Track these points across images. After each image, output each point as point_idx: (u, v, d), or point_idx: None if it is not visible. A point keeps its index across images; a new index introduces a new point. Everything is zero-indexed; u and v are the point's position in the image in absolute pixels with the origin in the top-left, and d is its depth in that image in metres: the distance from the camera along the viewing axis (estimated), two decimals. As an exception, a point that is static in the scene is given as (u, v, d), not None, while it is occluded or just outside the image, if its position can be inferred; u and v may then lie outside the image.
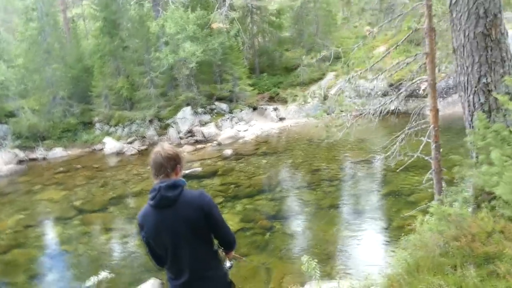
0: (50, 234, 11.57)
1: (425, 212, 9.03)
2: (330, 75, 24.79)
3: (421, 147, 5.63)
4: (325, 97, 23.30)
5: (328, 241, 8.94)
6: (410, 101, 19.93)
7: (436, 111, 5.19)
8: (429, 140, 5.37)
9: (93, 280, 8.12)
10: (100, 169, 17.29)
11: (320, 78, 25.21)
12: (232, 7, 23.46)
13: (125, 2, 22.56)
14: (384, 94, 19.75)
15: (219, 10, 22.33)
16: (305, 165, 14.38)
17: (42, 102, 22.05)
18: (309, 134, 19.77)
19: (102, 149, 20.41)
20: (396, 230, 8.81)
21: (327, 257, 8.14)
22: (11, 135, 20.94)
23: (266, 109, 23.17)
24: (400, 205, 10.07)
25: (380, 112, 6.08)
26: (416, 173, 11.93)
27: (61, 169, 17.75)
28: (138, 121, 21.16)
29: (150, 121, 21.17)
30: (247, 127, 21.25)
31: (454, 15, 3.39)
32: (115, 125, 21.77)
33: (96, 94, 22.26)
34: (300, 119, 22.51)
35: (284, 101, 24.41)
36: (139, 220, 2.68)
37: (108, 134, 21.50)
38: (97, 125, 22.19)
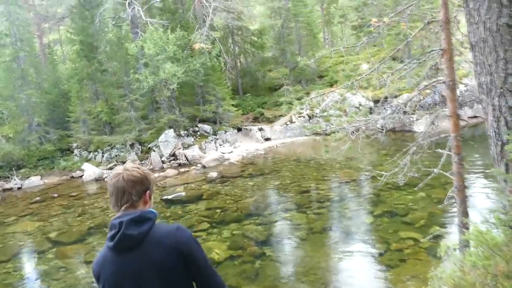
0: (22, 270, 10.63)
1: (429, 235, 8.55)
2: (314, 94, 24.48)
3: (442, 160, 4.99)
4: (311, 116, 23.08)
5: (323, 267, 8.30)
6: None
7: (456, 117, 4.61)
8: (450, 152, 4.71)
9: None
10: (78, 197, 16.43)
11: (288, 110, 24.90)
12: (212, 28, 23.15)
13: (103, 25, 22.10)
14: (371, 112, 19.50)
15: (199, 30, 21.98)
16: (294, 186, 13.80)
17: (17, 130, 21.22)
18: (296, 154, 19.31)
19: (81, 176, 19.57)
20: (395, 254, 8.26)
21: (322, 286, 7.51)
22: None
23: (251, 130, 22.69)
24: (396, 226, 9.54)
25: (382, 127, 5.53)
26: (409, 191, 11.48)
27: (37, 198, 16.85)
28: (119, 146, 20.44)
29: (131, 145, 20.45)
30: (232, 148, 20.69)
31: (471, 5, 2.92)
32: (95, 151, 21.01)
33: (74, 119, 21.54)
34: (286, 139, 22.09)
35: (269, 121, 24.03)
36: (94, 269, 2.05)
37: (87, 160, 20.70)
38: (76, 151, 21.39)
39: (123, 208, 2.01)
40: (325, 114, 21.62)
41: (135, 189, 2.03)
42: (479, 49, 2.92)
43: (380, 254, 8.37)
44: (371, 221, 10.15)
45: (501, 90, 2.78)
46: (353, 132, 5.29)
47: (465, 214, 4.65)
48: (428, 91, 19.97)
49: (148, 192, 2.09)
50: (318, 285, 7.45)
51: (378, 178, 13.27)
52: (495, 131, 2.90)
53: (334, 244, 9.35)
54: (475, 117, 20.36)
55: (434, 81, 4.52)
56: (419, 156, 5.31)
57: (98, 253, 2.09)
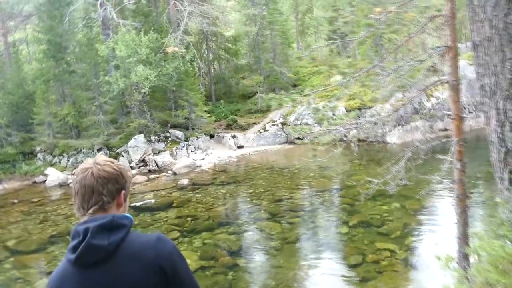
0: (-26, 282, 9.89)
1: (405, 246, 8.41)
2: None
3: (444, 167, 4.72)
4: (284, 124, 22.94)
5: (298, 279, 8.02)
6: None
7: (459, 120, 4.35)
8: (452, 159, 4.41)
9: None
10: (40, 203, 15.60)
11: (278, 106, 24.75)
12: (187, 32, 22.75)
13: (72, 25, 21.35)
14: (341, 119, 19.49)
15: (173, 34, 21.54)
16: (267, 195, 13.51)
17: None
18: (269, 162, 19.05)
19: (44, 181, 18.67)
20: (371, 265, 8.06)
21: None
22: None
23: (223, 137, 22.34)
24: (372, 237, 9.37)
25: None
26: (384, 201, 11.39)
27: (-4, 204, 15.90)
28: (85, 150, 19.66)
29: (99, 150, 19.70)
30: (204, 155, 20.25)
31: (475, 2, 2.71)
32: (59, 155, 20.14)
33: (38, 122, 20.61)
34: (259, 147, 21.83)
35: (242, 129, 23.73)
36: (50, 286, 1.60)
37: (51, 164, 19.81)
38: (39, 155, 20.46)
39: (90, 211, 1.59)
40: (300, 122, 21.52)
41: (107, 188, 1.62)
42: (483, 48, 2.71)
43: (356, 266, 8.15)
44: (346, 231, 9.94)
45: (507, 92, 2.57)
46: (345, 135, 5.02)
47: (465, 225, 4.41)
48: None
49: (123, 192, 1.68)
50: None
51: (352, 187, 13.25)
52: (498, 137, 2.69)
53: (309, 255, 9.08)
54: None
55: (437, 81, 4.31)
56: (417, 162, 5.02)
57: (56, 268, 1.62)
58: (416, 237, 9.29)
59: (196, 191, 14.96)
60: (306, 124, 21.79)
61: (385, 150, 19.16)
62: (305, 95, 5.75)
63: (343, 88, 5.38)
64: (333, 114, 20.81)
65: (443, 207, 10.64)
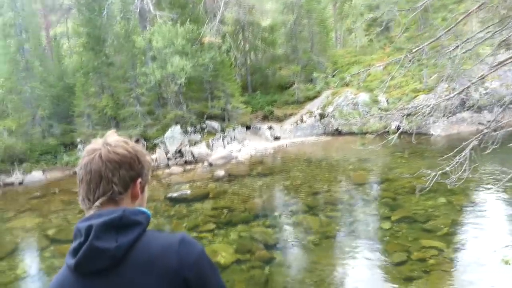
0: (17, 268, 10.05)
1: (454, 244, 7.82)
2: (326, 93, 23.80)
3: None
4: (322, 116, 22.36)
5: (337, 276, 7.60)
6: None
7: None
8: None
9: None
10: (80, 193, 15.88)
11: (316, 96, 24.21)
12: (223, 22, 22.51)
13: (111, 18, 21.55)
14: (386, 110, 18.64)
15: (209, 24, 21.35)
16: (305, 187, 13.10)
17: (20, 123, 20.70)
18: (307, 154, 18.60)
19: (84, 171, 19.03)
20: (417, 264, 7.52)
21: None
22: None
23: (260, 128, 22.05)
24: (417, 233, 8.78)
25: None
26: (429, 196, 10.71)
27: (37, 194, 16.33)
28: (123, 141, 19.86)
29: (136, 141, 19.85)
30: (240, 146, 20.03)
31: None
32: (99, 146, 20.46)
33: (78, 114, 21.03)
34: (296, 138, 21.41)
35: (279, 120, 23.36)
36: None
37: (91, 155, 20.14)
38: (79, 146, 20.83)
39: (97, 203, 1.28)
40: (337, 113, 20.88)
41: (118, 174, 1.29)
42: None
43: (400, 264, 7.63)
44: (389, 227, 9.39)
45: None
46: (399, 122, 4.56)
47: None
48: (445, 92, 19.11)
49: (139, 180, 1.35)
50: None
51: (393, 181, 12.62)
52: None
53: (348, 251, 8.63)
54: (495, 121, 19.52)
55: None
56: (485, 152, 4.46)
57: (56, 274, 1.33)
58: (465, 235, 8.63)
59: (232, 182, 14.75)
60: (346, 115, 21.15)
61: (428, 143, 18.24)
62: (353, 74, 5.31)
63: (399, 67, 4.87)
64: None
65: (495, 204, 9.92)
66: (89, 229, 1.20)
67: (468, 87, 4.42)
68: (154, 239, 1.27)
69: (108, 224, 1.21)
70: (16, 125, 20.59)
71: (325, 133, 21.95)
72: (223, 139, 20.64)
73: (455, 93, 4.46)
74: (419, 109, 4.54)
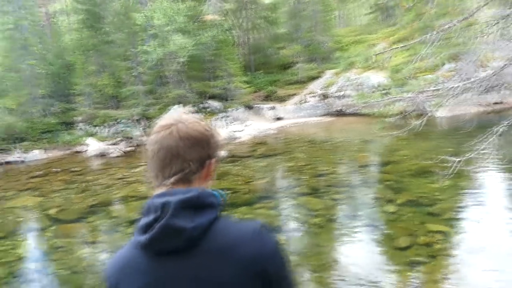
0: (18, 248, 10.02)
1: (460, 229, 7.73)
2: (329, 73, 23.51)
3: None
4: (325, 96, 22.11)
5: (341, 260, 7.54)
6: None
7: None
8: None
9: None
10: (81, 172, 15.81)
11: (318, 76, 23.92)
12: (225, 0, 22.07)
13: (110, -6, 21.14)
14: (387, 90, 18.33)
15: (210, 1, 20.92)
16: (308, 169, 13.00)
17: (20, 101, 20.48)
18: (310, 135, 18.45)
19: (84, 150, 18.92)
20: (423, 248, 7.44)
21: (342, 282, 6.72)
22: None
23: (262, 108, 21.87)
24: (422, 217, 8.68)
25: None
26: (434, 179, 10.62)
27: (38, 173, 16.28)
28: (124, 121, 19.71)
29: (138, 120, 19.71)
30: (243, 127, 19.89)
31: None
32: (99, 125, 20.31)
33: (78, 92, 20.84)
34: (299, 119, 21.23)
35: (281, 100, 23.13)
36: (108, 276, 1.28)
37: (91, 134, 20.04)
38: (80, 125, 20.70)
39: (171, 180, 1.21)
40: (342, 93, 20.65)
41: (195, 152, 1.23)
42: None
43: (406, 248, 7.56)
44: (393, 210, 9.29)
45: None
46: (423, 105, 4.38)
47: None
48: (451, 73, 18.81)
49: (211, 161, 1.29)
50: (337, 281, 6.71)
51: (397, 163, 12.50)
52: None
53: (353, 234, 8.53)
54: (501, 102, 19.30)
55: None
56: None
57: (118, 251, 1.29)
58: (472, 220, 8.55)
59: (235, 163, 14.65)
60: (348, 95, 20.90)
61: (432, 124, 18.03)
62: (378, 54, 5.10)
63: (427, 46, 4.63)
64: (378, 85, 19.81)
65: (502, 187, 9.81)
66: (165, 205, 1.15)
67: (504, 67, 4.22)
68: (229, 225, 1.21)
69: (185, 202, 1.16)
70: (16, 104, 20.38)
71: (328, 114, 21.75)
72: (225, 119, 20.47)
73: (491, 74, 4.27)
74: (445, 91, 4.35)
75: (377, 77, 19.16)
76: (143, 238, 1.16)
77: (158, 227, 1.13)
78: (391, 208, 9.40)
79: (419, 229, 8.08)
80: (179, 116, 1.27)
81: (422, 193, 9.87)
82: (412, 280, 6.49)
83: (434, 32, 4.35)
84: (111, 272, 1.27)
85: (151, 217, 1.16)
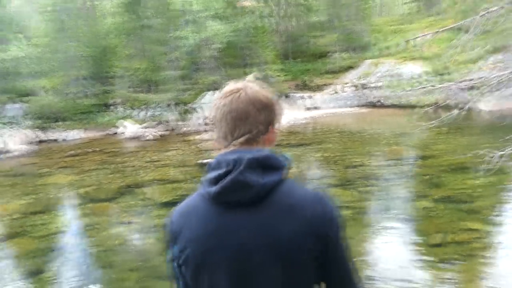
0: (52, 224, 10.32)
1: (499, 228, 7.34)
2: (365, 63, 22.91)
3: None
4: (361, 86, 21.59)
5: (371, 254, 7.31)
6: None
7: None
8: None
9: (92, 283, 6.85)
10: (114, 154, 16.12)
11: (354, 66, 23.39)
12: (263, -14, 21.81)
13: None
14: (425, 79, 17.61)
15: (248, -13, 20.71)
16: (339, 160, 12.73)
17: (60, 82, 21.05)
18: (342, 126, 18.08)
19: (120, 132, 19.25)
20: (457, 246, 7.11)
21: (372, 278, 6.49)
22: (27, 115, 20.02)
23: (296, 97, 21.60)
24: (459, 214, 8.31)
25: None
26: (475, 175, 10.11)
27: (73, 152, 16.73)
28: (160, 105, 19.91)
29: (172, 105, 19.86)
30: (275, 115, 19.70)
31: None
32: (135, 108, 20.63)
33: (116, 75, 21.14)
34: (333, 109, 20.84)
35: (315, 89, 22.77)
36: (172, 223, 1.35)
37: (127, 117, 20.36)
38: (117, 107, 21.08)
39: (241, 140, 1.28)
40: (378, 84, 20.07)
41: (262, 115, 1.30)
42: None
43: (439, 245, 7.25)
44: (427, 206, 8.93)
45: None
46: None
47: None
48: (496, 65, 17.87)
49: (276, 125, 1.38)
50: (365, 276, 6.49)
51: (433, 157, 12.02)
52: None
53: (384, 228, 8.27)
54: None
55: None
56: None
57: (183, 201, 1.37)
58: (511, 219, 8.12)
59: (266, 151, 14.55)
60: (383, 87, 20.33)
61: (470, 118, 17.23)
62: (416, 38, 4.82)
63: (470, 31, 4.32)
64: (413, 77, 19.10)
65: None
66: (238, 161, 1.21)
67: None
68: (295, 187, 1.29)
69: (257, 160, 1.22)
70: (58, 84, 20.96)
71: (363, 105, 21.22)
72: (257, 107, 20.37)
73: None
74: (488, 80, 4.04)
75: (415, 67, 18.46)
76: (213, 189, 1.22)
77: (230, 180, 1.19)
78: (425, 203, 9.05)
79: (455, 226, 7.74)
80: (246, 82, 1.34)
81: (459, 189, 9.45)
82: (445, 278, 6.21)
83: (478, 16, 4.03)
84: (175, 218, 1.34)
85: (222, 170, 1.22)
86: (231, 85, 1.34)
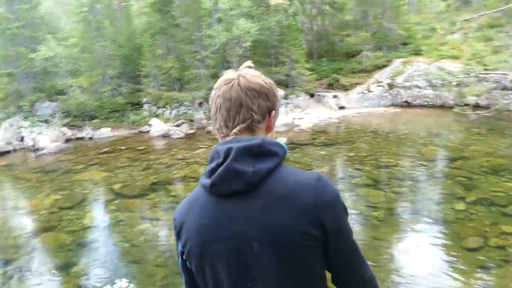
0: (84, 219, 10.56)
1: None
2: (396, 62, 22.44)
3: None
4: (391, 86, 21.15)
5: (402, 256, 7.14)
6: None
7: None
8: None
9: (120, 278, 6.95)
10: (145, 151, 16.36)
11: (385, 65, 22.91)
12: (291, -16, 21.65)
13: (178, -22, 21.45)
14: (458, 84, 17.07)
15: (278, -15, 20.60)
16: (370, 160, 12.51)
17: (92, 81, 21.51)
18: (373, 125, 17.76)
19: (148, 131, 19.55)
20: (495, 251, 6.86)
21: (400, 282, 6.32)
22: (60, 113, 20.57)
23: (324, 97, 21.34)
24: (496, 217, 8.03)
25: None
26: (510, 178, 9.81)
27: (106, 149, 17.07)
28: (187, 103, 20.08)
29: (200, 104, 19.99)
30: (303, 114, 19.55)
31: None
32: (163, 107, 20.86)
33: (145, 74, 21.50)
34: (362, 108, 20.51)
35: (344, 89, 22.47)
36: (175, 219, 1.39)
37: (156, 115, 20.63)
38: (145, 106, 21.38)
39: (236, 130, 1.31)
40: (410, 83, 19.62)
41: (258, 103, 1.32)
42: None
43: (476, 250, 7.01)
44: (462, 208, 8.67)
45: None
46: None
47: None
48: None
49: (273, 113, 1.38)
50: (394, 280, 6.33)
51: (469, 159, 11.64)
52: None
53: (416, 230, 8.07)
54: None
55: None
56: None
57: (188, 195, 1.41)
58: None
59: (294, 150, 14.45)
60: (416, 86, 19.87)
61: (509, 119, 16.65)
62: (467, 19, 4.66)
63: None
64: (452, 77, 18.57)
65: None
66: (228, 151, 1.23)
67: None
68: (291, 173, 1.28)
69: (247, 148, 1.23)
70: (88, 83, 21.42)
71: (393, 105, 20.79)
72: (286, 106, 20.24)
73: None
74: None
75: (450, 66, 17.91)
76: (208, 181, 1.25)
77: (220, 170, 1.22)
78: (459, 205, 8.79)
79: (491, 230, 7.48)
80: (239, 72, 1.34)
81: (496, 192, 9.14)
82: (480, 285, 5.99)
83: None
84: (179, 213, 1.38)
85: (214, 162, 1.26)
86: (225, 76, 1.36)
